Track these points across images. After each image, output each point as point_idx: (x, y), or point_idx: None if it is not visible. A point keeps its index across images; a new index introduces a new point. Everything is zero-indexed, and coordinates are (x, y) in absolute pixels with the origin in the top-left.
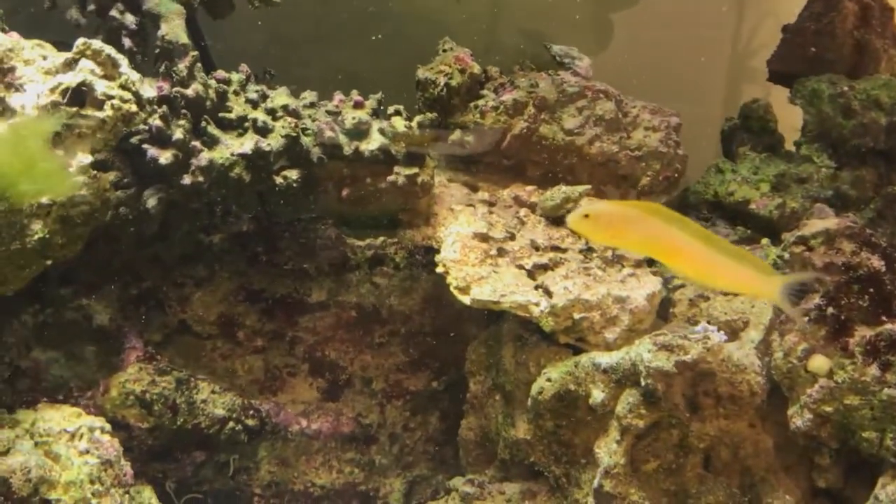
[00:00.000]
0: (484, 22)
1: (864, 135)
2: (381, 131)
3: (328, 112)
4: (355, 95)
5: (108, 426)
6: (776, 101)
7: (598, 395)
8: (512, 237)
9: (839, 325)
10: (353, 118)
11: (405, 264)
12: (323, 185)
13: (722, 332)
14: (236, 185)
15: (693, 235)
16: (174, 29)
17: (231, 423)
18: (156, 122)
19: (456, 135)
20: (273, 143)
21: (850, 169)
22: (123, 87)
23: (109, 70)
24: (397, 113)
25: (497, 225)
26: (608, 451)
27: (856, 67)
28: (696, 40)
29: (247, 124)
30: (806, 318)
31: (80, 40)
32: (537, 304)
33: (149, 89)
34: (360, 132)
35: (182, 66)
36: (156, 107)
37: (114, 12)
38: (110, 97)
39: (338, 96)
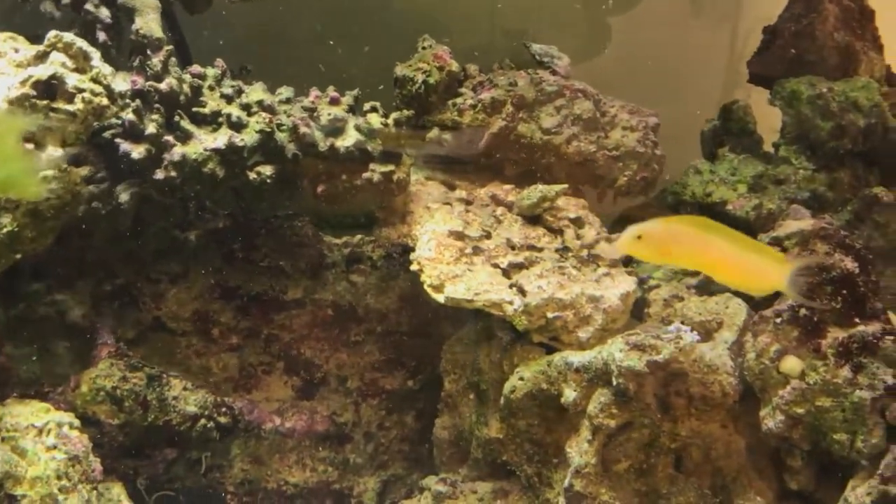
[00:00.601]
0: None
1: (842, 136)
2: (358, 128)
3: (304, 108)
4: (331, 92)
5: (76, 422)
6: (758, 103)
7: (570, 394)
8: (488, 236)
9: (812, 326)
10: (329, 114)
11: (382, 263)
12: (298, 182)
13: (695, 333)
14: (209, 181)
15: (733, 243)
16: (148, 23)
17: (203, 421)
18: (129, 116)
19: (434, 133)
20: (247, 138)
21: (828, 171)
22: (95, 80)
23: (81, 63)
24: (373, 110)
25: (473, 223)
26: (579, 450)
27: (836, 69)
28: (691, 42)
29: (221, 119)
30: (778, 320)
31: (52, 33)
32: (511, 303)
33: (121, 83)
34: (335, 129)
35: (156, 61)
36: (129, 101)
37: (88, 6)
38: (81, 90)
39: (314, 92)
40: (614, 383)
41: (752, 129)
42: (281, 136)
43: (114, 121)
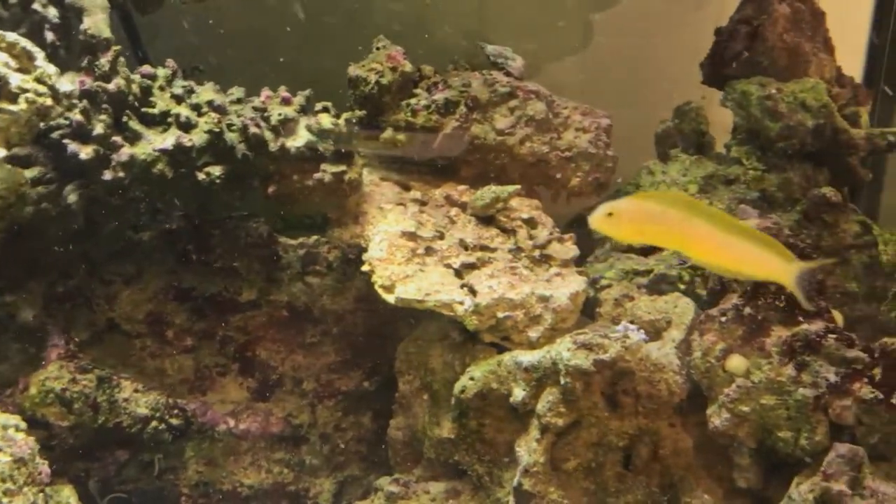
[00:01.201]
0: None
1: (791, 137)
2: (309, 128)
3: (255, 108)
4: (283, 92)
5: (22, 424)
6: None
7: (519, 393)
8: (441, 236)
9: (756, 325)
10: (280, 114)
11: (338, 264)
12: (249, 183)
13: (642, 332)
14: (158, 181)
15: (718, 225)
16: (97, 23)
17: (154, 423)
18: (76, 116)
19: (388, 133)
20: (196, 138)
21: (778, 171)
22: (39, 80)
23: (24, 63)
24: (325, 110)
25: (427, 224)
26: (528, 449)
27: (786, 70)
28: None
29: (170, 120)
30: (723, 318)
31: None
32: (461, 303)
33: (66, 83)
34: (286, 128)
35: (104, 61)
36: (76, 101)
37: (36, 5)
38: (25, 90)
39: (265, 92)
40: (562, 382)
41: (704, 130)
42: (231, 137)
43: (62, 121)
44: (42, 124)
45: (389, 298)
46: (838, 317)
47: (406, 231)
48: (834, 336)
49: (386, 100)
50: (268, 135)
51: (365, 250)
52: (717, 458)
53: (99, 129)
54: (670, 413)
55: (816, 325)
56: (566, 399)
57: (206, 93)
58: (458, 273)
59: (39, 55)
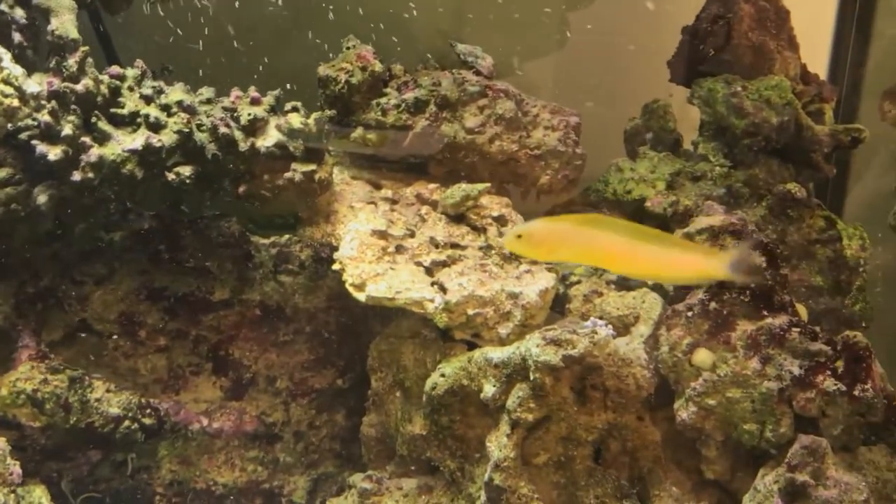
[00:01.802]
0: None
1: (757, 134)
2: (278, 128)
3: (225, 108)
4: (252, 92)
5: None
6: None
7: (489, 389)
8: (412, 234)
9: (722, 319)
10: (249, 114)
11: (310, 263)
12: (220, 182)
13: (610, 327)
14: (128, 181)
15: (631, 236)
16: (64, 24)
17: (127, 422)
18: (45, 117)
19: (358, 132)
20: (165, 138)
21: (744, 167)
22: (6, 81)
23: None
24: (294, 109)
25: (397, 222)
26: (499, 444)
27: (751, 68)
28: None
29: (139, 120)
30: (689, 313)
31: None
32: (432, 301)
33: (34, 84)
34: (255, 128)
35: (72, 62)
36: (44, 102)
37: (3, 6)
38: None
39: (234, 92)
40: (532, 378)
41: (672, 128)
42: (200, 137)
43: (30, 122)
44: (10, 125)
45: (360, 297)
46: (802, 311)
47: (377, 229)
48: (798, 329)
49: (356, 99)
50: (238, 135)
51: (336, 249)
52: (685, 451)
53: (67, 129)
54: (638, 407)
55: (780, 320)
56: (536, 394)
57: (176, 93)
58: (429, 271)
59: (6, 56)
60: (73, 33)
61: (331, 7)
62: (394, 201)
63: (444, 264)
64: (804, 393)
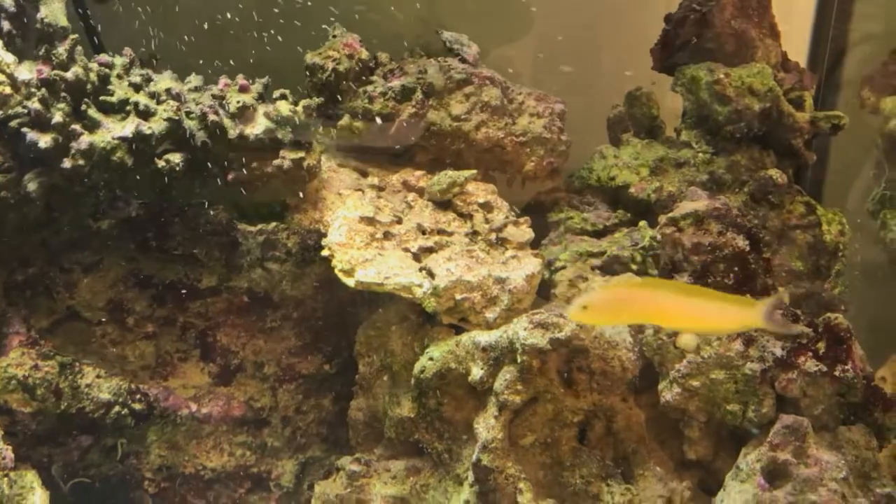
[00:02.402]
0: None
1: (739, 120)
2: (267, 115)
3: (213, 96)
4: (241, 80)
5: None
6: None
7: (477, 372)
8: (399, 221)
9: None
10: (238, 102)
11: (297, 249)
12: (209, 170)
13: None
14: (118, 169)
15: (679, 294)
16: (54, 12)
17: (117, 408)
18: (35, 105)
19: (345, 120)
20: (155, 126)
21: (726, 154)
22: None
23: None
24: (283, 97)
25: (385, 209)
26: (486, 426)
27: (733, 56)
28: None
29: (129, 108)
30: None
31: None
32: (420, 286)
33: (24, 72)
34: (244, 116)
35: (61, 50)
36: (35, 90)
37: None
38: None
39: (223, 80)
40: (519, 360)
41: (655, 115)
42: (190, 124)
43: (20, 110)
44: (0, 112)
45: (349, 282)
46: (785, 295)
47: (364, 216)
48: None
49: (343, 87)
50: (226, 122)
51: (324, 235)
52: (669, 432)
53: (58, 117)
54: (623, 389)
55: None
56: (523, 377)
57: (165, 81)
58: (417, 257)
59: None
60: (63, 21)
61: None
62: (381, 188)
63: (432, 250)
64: (786, 374)
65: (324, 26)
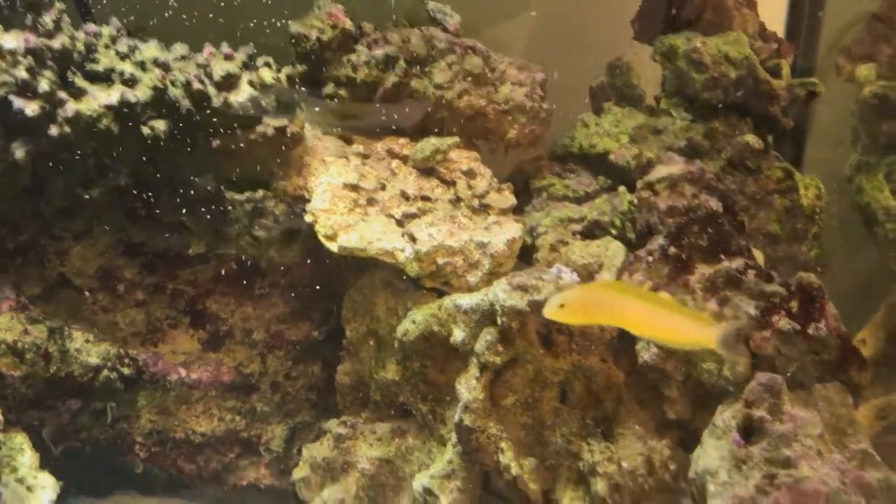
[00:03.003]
0: None
1: (716, 88)
2: (251, 83)
3: (198, 65)
4: (225, 48)
5: None
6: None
7: (458, 334)
8: (383, 187)
9: (681, 263)
10: (222, 70)
11: (285, 217)
12: (194, 138)
13: (575, 274)
14: (104, 137)
15: (649, 303)
16: None
17: (105, 372)
18: (21, 73)
19: (330, 88)
20: (140, 94)
21: (704, 121)
22: None
23: None
24: (266, 65)
25: (368, 176)
26: (468, 387)
27: (711, 25)
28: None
29: (114, 76)
30: (650, 258)
31: None
32: (402, 251)
33: (11, 41)
34: (229, 84)
35: (48, 19)
36: (20, 58)
37: None
38: None
39: (207, 49)
40: (499, 322)
41: (635, 84)
42: (175, 92)
43: (7, 78)
44: None
45: (332, 247)
46: (759, 256)
47: (348, 182)
48: (753, 272)
49: (327, 56)
50: (211, 90)
51: (308, 202)
52: (648, 392)
53: (44, 85)
54: (602, 350)
55: (737, 263)
56: (503, 338)
57: (150, 50)
58: (400, 222)
59: None
60: None
61: None
62: (365, 156)
63: (415, 216)
64: (760, 332)
65: None
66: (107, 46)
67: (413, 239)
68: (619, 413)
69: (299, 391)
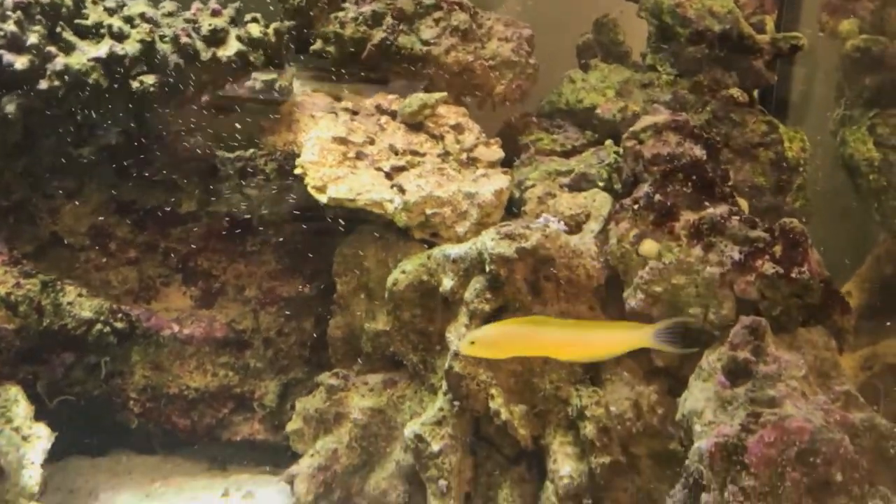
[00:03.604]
0: None
1: (700, 41)
2: (239, 38)
3: (186, 20)
4: (213, 4)
5: None
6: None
7: (448, 283)
8: (371, 142)
9: (666, 211)
10: (210, 25)
11: (275, 175)
12: (183, 93)
13: (562, 223)
14: (94, 90)
15: (565, 328)
16: None
17: (99, 325)
18: (11, 27)
19: (318, 45)
20: (129, 47)
21: (689, 75)
22: None
23: None
24: (254, 20)
25: (357, 130)
26: (458, 334)
27: None
28: None
29: (103, 31)
30: (636, 206)
31: None
32: (391, 201)
33: None
34: (217, 39)
35: None
36: (9, 13)
37: None
38: None
39: (195, 5)
40: (487, 270)
41: (621, 41)
42: (163, 47)
43: None
44: None
45: (322, 198)
46: (744, 204)
47: (337, 136)
48: (737, 218)
49: (314, 12)
50: (199, 44)
51: (298, 156)
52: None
53: (33, 39)
54: (590, 297)
55: (721, 209)
56: (492, 286)
57: (138, 5)
58: (388, 175)
59: None
60: None
61: None
62: (354, 112)
63: (404, 169)
64: (744, 277)
65: None
66: (94, 2)
67: (402, 190)
68: (608, 360)
69: (292, 347)
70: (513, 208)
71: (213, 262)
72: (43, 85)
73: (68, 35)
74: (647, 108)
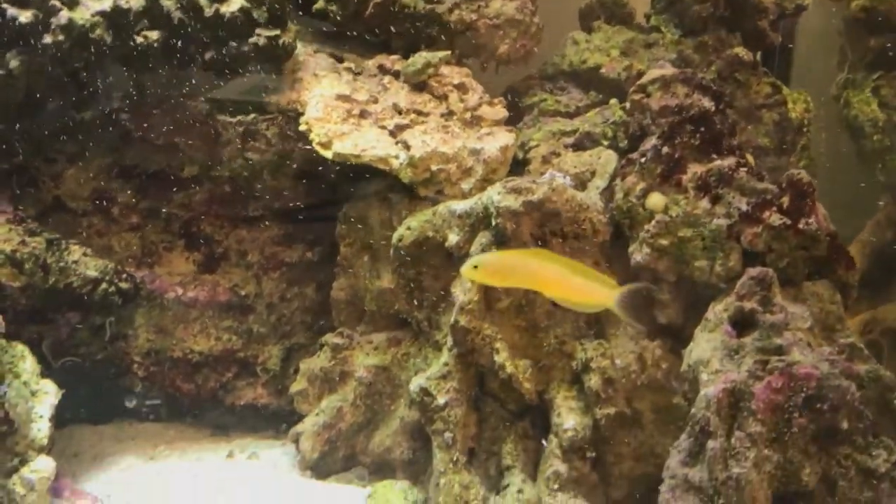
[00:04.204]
0: None
1: (705, 1)
2: None
3: None
4: None
5: None
6: None
7: (453, 238)
8: (375, 101)
9: (673, 163)
10: None
11: (277, 140)
12: (187, 50)
13: (568, 178)
14: (98, 46)
15: (562, 267)
16: None
17: (104, 285)
18: None
19: (320, 4)
20: (133, 2)
21: (694, 35)
22: None
23: None
24: None
25: (361, 89)
26: (463, 289)
27: None
28: None
29: None
30: (643, 160)
31: None
32: (396, 157)
33: None
34: None
35: None
36: None
37: None
38: None
39: None
40: (493, 224)
41: (625, 2)
42: (166, 3)
43: None
44: None
45: (327, 154)
46: (750, 159)
47: (341, 94)
48: (745, 170)
49: None
50: (202, 1)
51: (302, 115)
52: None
53: None
54: (595, 252)
55: (729, 161)
56: (498, 240)
57: None
58: (392, 133)
59: None
60: None
61: None
62: (357, 73)
63: (408, 127)
64: (751, 228)
65: None
66: None
67: (407, 146)
68: (612, 316)
69: (294, 313)
70: (517, 170)
71: (215, 227)
72: (47, 39)
73: None
74: (653, 65)
